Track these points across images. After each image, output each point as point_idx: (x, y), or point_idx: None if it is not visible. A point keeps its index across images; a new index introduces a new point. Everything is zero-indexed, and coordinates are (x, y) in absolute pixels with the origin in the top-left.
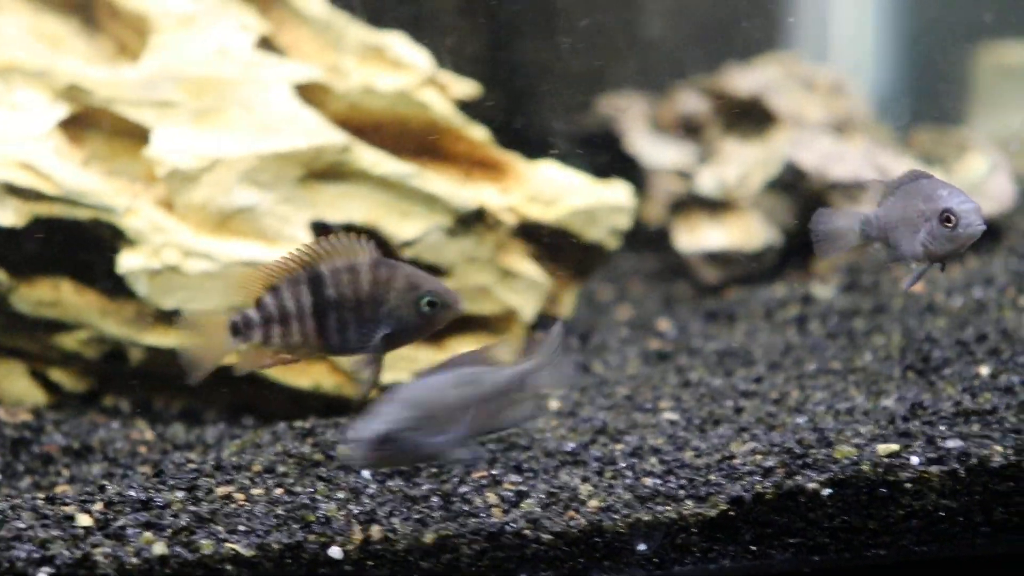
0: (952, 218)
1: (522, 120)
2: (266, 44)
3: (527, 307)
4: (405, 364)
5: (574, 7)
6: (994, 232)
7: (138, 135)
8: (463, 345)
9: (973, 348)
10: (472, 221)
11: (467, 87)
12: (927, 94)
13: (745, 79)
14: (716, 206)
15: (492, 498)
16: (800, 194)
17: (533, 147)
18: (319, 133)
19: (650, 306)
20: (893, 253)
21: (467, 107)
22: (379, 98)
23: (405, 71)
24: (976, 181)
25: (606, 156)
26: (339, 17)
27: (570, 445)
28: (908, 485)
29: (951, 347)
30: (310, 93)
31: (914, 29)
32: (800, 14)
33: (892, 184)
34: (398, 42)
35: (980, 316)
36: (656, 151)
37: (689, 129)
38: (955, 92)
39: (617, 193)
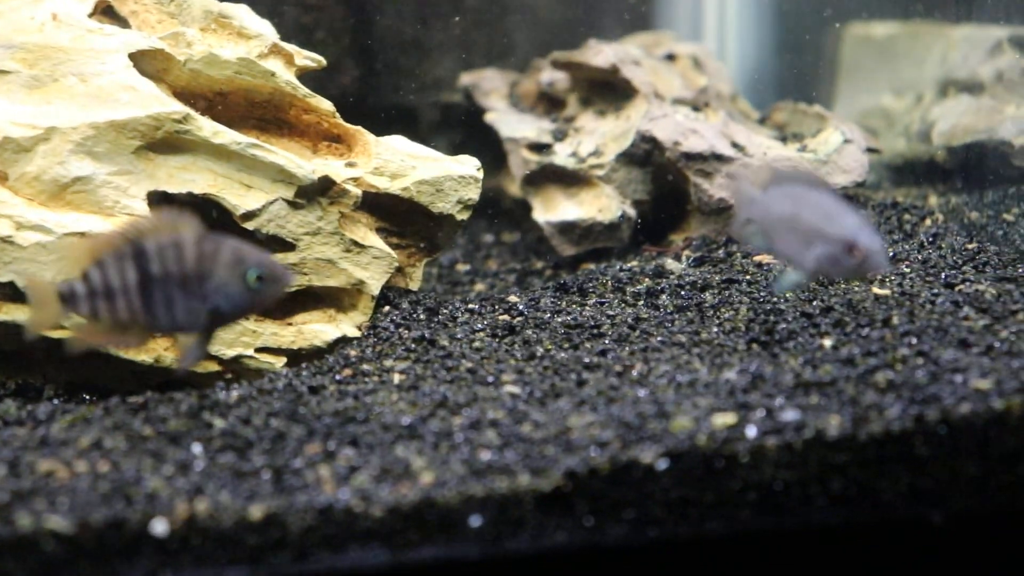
0: (859, 253)
1: (383, 94)
2: (108, 13)
3: (374, 280)
4: (249, 338)
5: None
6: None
7: None
8: (310, 319)
9: (818, 320)
10: (316, 193)
11: (313, 58)
12: (793, 70)
13: (602, 53)
14: (572, 179)
15: (324, 473)
16: (655, 166)
17: (394, 121)
18: (157, 102)
19: (506, 280)
20: (767, 246)
21: (326, 82)
22: (222, 67)
23: (249, 41)
24: (830, 153)
25: (468, 131)
26: None
27: (407, 419)
28: (744, 458)
29: (796, 319)
30: (150, 62)
31: (782, 4)
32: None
33: (778, 174)
34: (243, 11)
35: (828, 288)
36: (514, 125)
37: (550, 104)
38: (822, 68)
39: (466, 166)
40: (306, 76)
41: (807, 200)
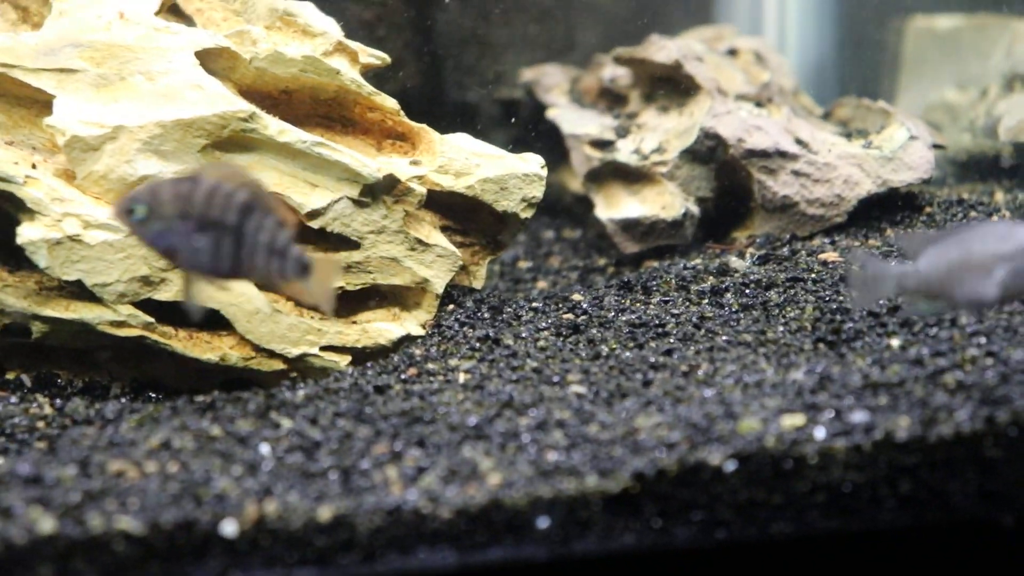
0: None
1: (445, 90)
2: (174, 11)
3: (438, 279)
4: (314, 336)
5: None
6: (913, 201)
7: (40, 103)
8: (375, 318)
9: (885, 320)
10: (381, 191)
11: (378, 56)
12: (855, 64)
13: (665, 49)
14: (634, 176)
15: (392, 474)
16: (718, 163)
17: (456, 117)
18: (223, 101)
19: (568, 278)
20: (944, 302)
21: (389, 76)
22: (287, 65)
23: (314, 39)
24: (896, 150)
25: (529, 127)
26: None
27: (473, 419)
28: (813, 459)
29: (863, 319)
30: (216, 61)
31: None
32: None
33: (932, 237)
34: (308, 9)
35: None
36: (576, 121)
37: (612, 100)
38: (885, 62)
39: (530, 164)
40: (368, 73)
41: (969, 240)
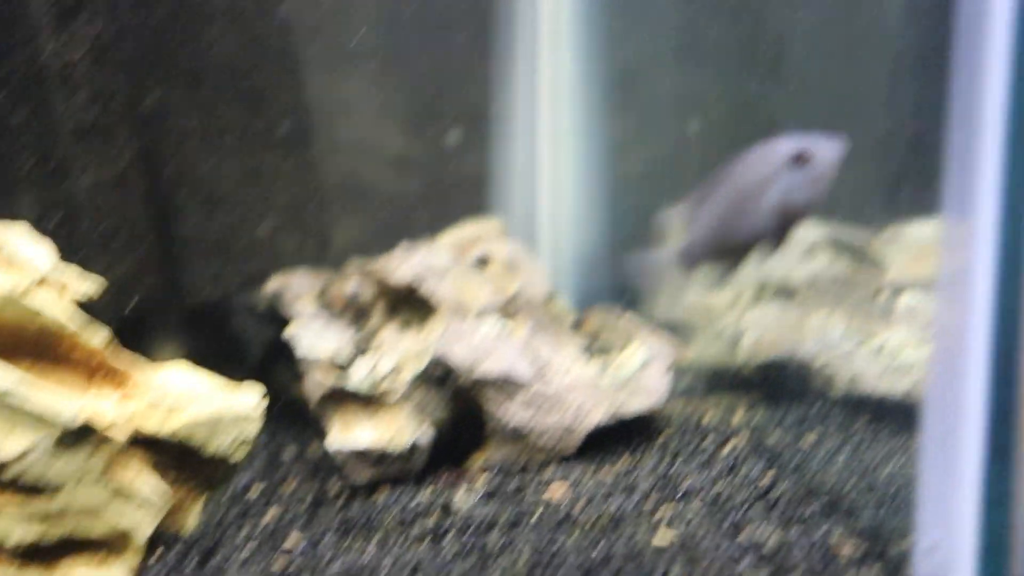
0: (805, 156)
1: (188, 298)
2: None
3: (142, 527)
4: None
5: (240, 177)
6: (649, 426)
7: None
8: (76, 563)
9: (598, 570)
10: (81, 435)
11: (90, 285)
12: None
13: (403, 267)
14: (368, 400)
15: None
16: (452, 388)
17: (200, 326)
18: None
19: (298, 508)
20: (729, 262)
21: (129, 286)
22: None
23: (21, 271)
24: (630, 375)
25: (275, 335)
26: None
27: None
28: None
29: (574, 570)
30: None
31: (615, 188)
32: (508, 181)
33: (699, 196)
34: (15, 236)
35: (615, 531)
36: (314, 341)
37: (358, 310)
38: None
39: (246, 399)
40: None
41: (731, 176)
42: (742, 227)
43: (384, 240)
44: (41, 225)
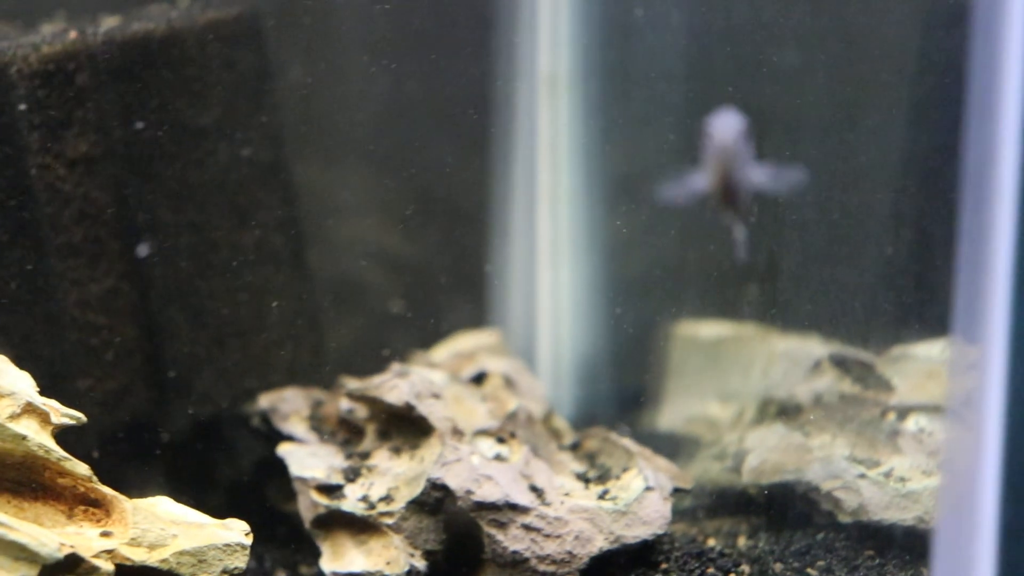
0: (708, 132)
1: (177, 418)
2: None
3: None
4: None
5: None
6: (648, 556)
7: None
8: None
9: None
10: (63, 570)
11: (73, 416)
12: (627, 369)
13: (397, 388)
14: (361, 526)
15: None
16: (448, 514)
17: (190, 445)
18: None
19: None
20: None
21: (115, 406)
22: None
23: (1, 399)
24: (630, 502)
25: (267, 451)
26: None
27: None
28: None
29: None
30: None
31: (616, 293)
32: (506, 285)
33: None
34: None
35: None
36: (306, 461)
37: (350, 431)
38: (654, 368)
39: (233, 531)
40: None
41: None
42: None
43: (378, 348)
44: (28, 342)
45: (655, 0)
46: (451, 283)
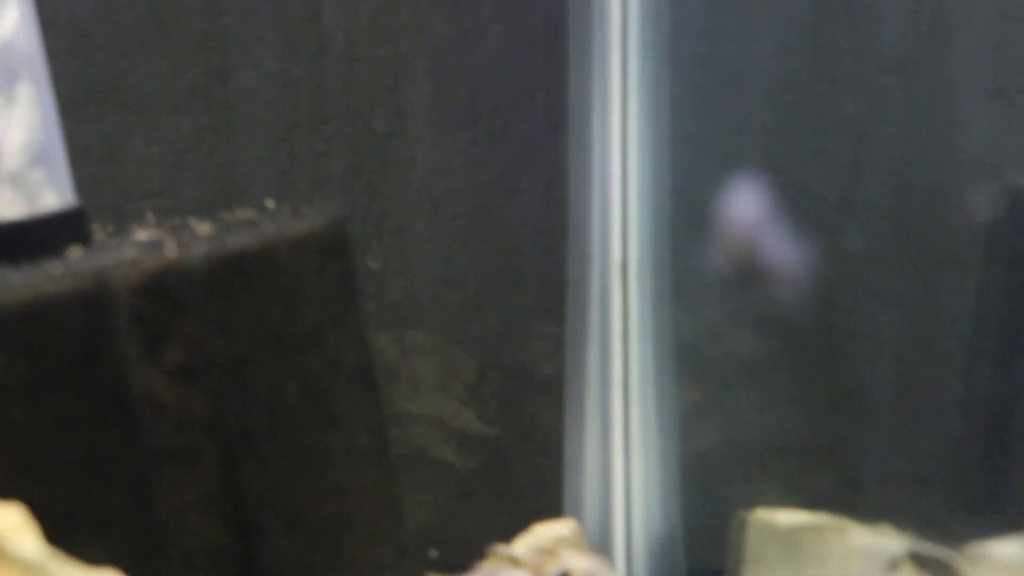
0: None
1: None
2: None
3: None
4: None
5: None
6: None
7: None
8: None
9: None
10: None
11: None
12: (697, 560)
13: None
14: None
15: None
16: None
17: None
18: None
19: None
20: None
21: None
22: None
23: None
24: None
25: None
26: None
27: None
28: None
29: None
30: None
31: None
32: (580, 465)
33: None
34: None
35: None
36: None
37: None
38: (729, 560)
39: None
40: None
41: None
42: None
43: (458, 534)
44: (127, 546)
45: None
46: (527, 458)
